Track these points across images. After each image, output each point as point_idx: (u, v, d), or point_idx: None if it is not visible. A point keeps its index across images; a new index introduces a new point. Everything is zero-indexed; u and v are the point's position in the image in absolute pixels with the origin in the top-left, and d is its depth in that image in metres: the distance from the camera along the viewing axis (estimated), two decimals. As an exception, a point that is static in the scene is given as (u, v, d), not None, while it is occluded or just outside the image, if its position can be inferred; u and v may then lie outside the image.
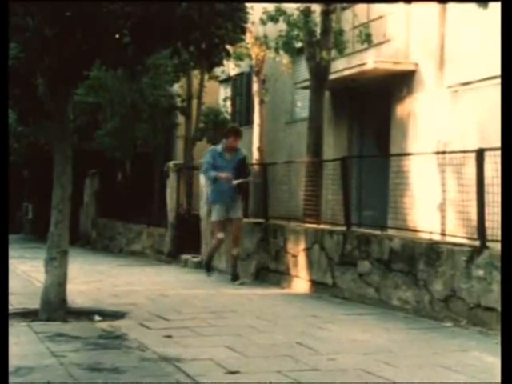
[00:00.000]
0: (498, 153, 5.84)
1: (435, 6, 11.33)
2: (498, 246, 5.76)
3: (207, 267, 9.52)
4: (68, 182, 6.10)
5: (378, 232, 7.33)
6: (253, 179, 9.50)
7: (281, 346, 4.99)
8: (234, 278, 8.90)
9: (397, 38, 12.62)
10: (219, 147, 9.14)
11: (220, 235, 9.01)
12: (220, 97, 19.30)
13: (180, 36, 5.64)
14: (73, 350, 4.78)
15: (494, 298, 5.49)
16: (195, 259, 11.22)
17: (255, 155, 15.31)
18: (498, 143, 7.55)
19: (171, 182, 12.92)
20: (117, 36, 5.75)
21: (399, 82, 12.37)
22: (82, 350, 4.83)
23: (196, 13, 5.40)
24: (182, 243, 12.27)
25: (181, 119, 16.29)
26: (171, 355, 4.59)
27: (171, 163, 13.40)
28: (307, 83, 12.28)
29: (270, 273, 8.91)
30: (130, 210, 15.14)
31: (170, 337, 5.23)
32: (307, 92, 12.31)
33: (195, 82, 15.62)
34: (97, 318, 6.15)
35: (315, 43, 11.14)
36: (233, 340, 5.14)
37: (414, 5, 11.62)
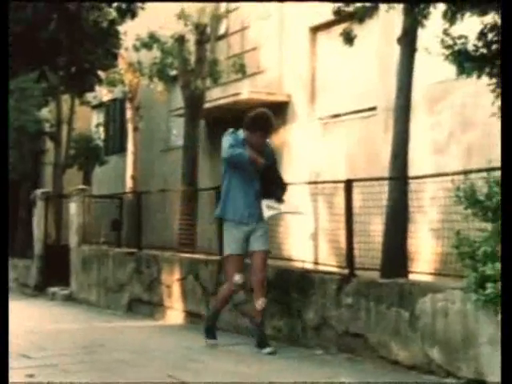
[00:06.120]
0: (365, 183, 6.08)
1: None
2: (365, 274, 5.93)
3: (209, 329, 6.18)
4: None
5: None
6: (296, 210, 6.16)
7: (152, 380, 4.82)
8: (261, 343, 5.88)
9: (270, 69, 12.92)
10: (239, 136, 6.11)
11: (237, 278, 5.85)
12: (92, 123, 18.85)
13: (47, 59, 5.43)
14: None
15: (361, 324, 5.63)
16: (64, 292, 10.76)
17: (128, 183, 15.04)
18: (364, 174, 7.87)
19: (39, 211, 12.39)
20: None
21: (273, 113, 12.62)
22: None
23: (64, 36, 5.22)
24: (50, 275, 11.73)
25: (50, 145, 15.71)
26: (33, 397, 4.31)
27: (39, 191, 12.84)
28: (182, 111, 12.25)
29: (143, 304, 8.68)
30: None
31: (31, 376, 4.91)
32: (183, 120, 12.29)
33: (65, 107, 15.15)
34: (-49, 359, 5.67)
35: (190, 72, 11.17)
36: (102, 376, 4.90)
37: (285, 36, 11.96)
